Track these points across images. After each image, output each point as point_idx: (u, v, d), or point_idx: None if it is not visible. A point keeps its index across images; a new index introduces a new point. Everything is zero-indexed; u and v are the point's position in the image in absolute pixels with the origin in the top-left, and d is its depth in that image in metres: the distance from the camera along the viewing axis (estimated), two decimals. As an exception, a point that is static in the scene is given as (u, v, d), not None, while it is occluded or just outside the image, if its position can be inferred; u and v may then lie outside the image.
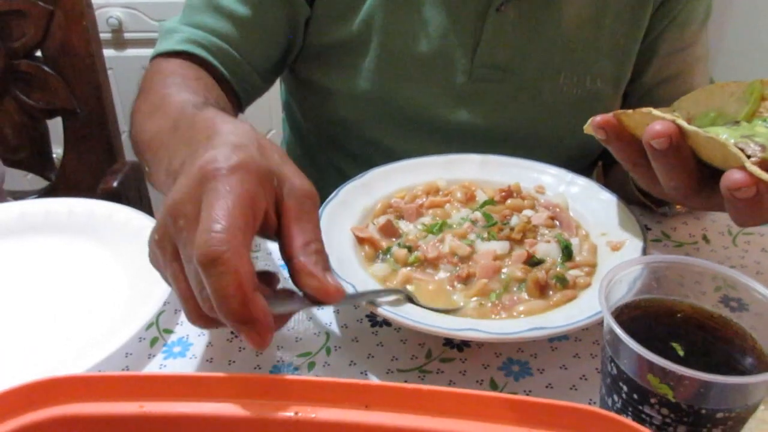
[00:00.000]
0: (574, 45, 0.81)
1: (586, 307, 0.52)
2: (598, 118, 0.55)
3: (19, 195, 1.21)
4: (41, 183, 1.32)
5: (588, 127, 0.56)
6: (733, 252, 0.68)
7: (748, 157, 0.45)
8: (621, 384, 0.40)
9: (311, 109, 0.90)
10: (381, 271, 0.58)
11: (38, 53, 1.20)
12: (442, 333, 0.50)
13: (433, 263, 0.59)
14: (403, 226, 0.64)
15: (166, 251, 0.42)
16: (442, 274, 0.58)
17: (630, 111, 0.52)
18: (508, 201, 0.66)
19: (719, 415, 0.38)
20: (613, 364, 0.41)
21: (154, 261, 0.45)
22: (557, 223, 0.64)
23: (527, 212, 0.64)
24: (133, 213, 0.69)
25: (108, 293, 0.62)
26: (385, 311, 0.51)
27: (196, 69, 0.74)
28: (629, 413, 0.41)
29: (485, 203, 0.65)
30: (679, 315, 0.44)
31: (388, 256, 0.60)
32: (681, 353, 0.41)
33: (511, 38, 0.79)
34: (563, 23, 0.79)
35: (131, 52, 1.86)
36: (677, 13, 0.82)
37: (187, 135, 0.50)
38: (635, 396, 0.40)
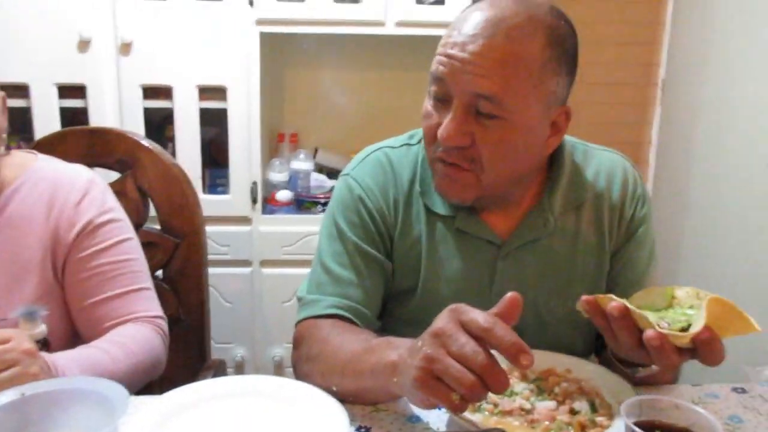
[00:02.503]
0: (557, 277, 1.15)
1: (613, 435, 0.88)
2: (584, 297, 0.93)
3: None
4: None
5: (578, 304, 0.95)
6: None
7: (659, 327, 0.86)
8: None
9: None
10: (480, 418, 0.93)
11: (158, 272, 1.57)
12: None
13: (509, 413, 0.94)
14: (487, 392, 0.99)
15: (439, 357, 0.76)
16: (517, 422, 0.93)
17: (601, 295, 0.93)
18: (549, 378, 1.02)
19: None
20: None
21: (425, 382, 0.78)
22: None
23: (564, 384, 1.00)
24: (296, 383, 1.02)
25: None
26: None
27: (342, 323, 1.10)
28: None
29: (536, 379, 1.02)
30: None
31: (482, 408, 0.95)
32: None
33: (516, 276, 1.13)
34: (549, 263, 1.15)
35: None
36: (627, 257, 1.17)
37: (384, 346, 0.90)
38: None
